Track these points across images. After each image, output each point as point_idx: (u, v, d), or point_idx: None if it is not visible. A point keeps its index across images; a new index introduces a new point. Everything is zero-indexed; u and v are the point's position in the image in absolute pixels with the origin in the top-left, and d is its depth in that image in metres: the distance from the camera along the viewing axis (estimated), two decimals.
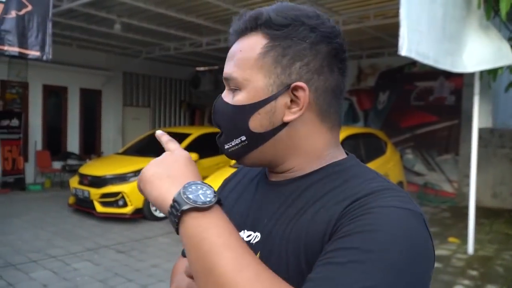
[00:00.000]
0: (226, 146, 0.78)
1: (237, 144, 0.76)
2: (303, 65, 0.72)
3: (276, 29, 0.73)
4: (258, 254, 0.72)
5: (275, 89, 0.73)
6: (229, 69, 0.76)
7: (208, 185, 0.65)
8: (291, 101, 0.73)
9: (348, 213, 0.63)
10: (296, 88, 0.72)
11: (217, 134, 0.81)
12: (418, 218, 0.63)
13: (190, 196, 0.61)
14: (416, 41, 3.64)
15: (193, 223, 0.61)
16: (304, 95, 0.72)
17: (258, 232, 0.76)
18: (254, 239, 0.76)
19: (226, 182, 0.99)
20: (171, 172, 0.68)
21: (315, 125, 0.75)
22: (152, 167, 0.72)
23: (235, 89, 0.75)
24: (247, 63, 0.74)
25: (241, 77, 0.74)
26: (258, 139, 0.75)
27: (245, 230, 0.79)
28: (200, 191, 0.63)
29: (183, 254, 1.04)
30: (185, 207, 0.61)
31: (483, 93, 5.58)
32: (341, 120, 0.80)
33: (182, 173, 0.68)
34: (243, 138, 0.75)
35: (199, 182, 0.65)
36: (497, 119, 6.09)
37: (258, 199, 0.81)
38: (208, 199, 0.62)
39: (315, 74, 0.73)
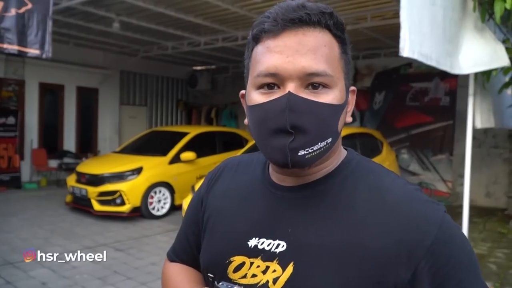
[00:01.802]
0: (303, 152, 0.69)
1: (320, 148, 0.70)
2: (351, 72, 0.77)
3: (341, 32, 0.73)
4: (292, 264, 0.71)
5: (346, 93, 0.75)
6: (320, 64, 0.69)
7: None
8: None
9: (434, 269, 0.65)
10: (354, 93, 0.78)
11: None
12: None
13: None
14: (418, 43, 3.68)
15: None
16: (353, 98, 0.78)
17: (281, 240, 0.73)
18: (277, 248, 0.73)
19: (212, 180, 0.93)
20: None
21: None
22: None
23: (321, 86, 0.70)
24: (334, 62, 0.71)
25: (334, 75, 0.70)
26: (336, 139, 0.73)
27: (259, 238, 0.76)
28: None
29: (170, 258, 1.00)
30: None
31: (484, 93, 5.67)
32: None
33: None
34: (329, 140, 0.71)
35: None
36: (503, 119, 6.17)
37: (273, 205, 0.78)
38: None
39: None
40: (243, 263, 0.76)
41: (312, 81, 0.69)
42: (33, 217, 6.85)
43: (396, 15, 7.08)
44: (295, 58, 0.68)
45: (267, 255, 0.73)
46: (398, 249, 0.66)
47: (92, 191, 6.88)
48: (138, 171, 7.03)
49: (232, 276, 0.76)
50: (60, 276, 4.42)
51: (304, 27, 0.69)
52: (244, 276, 0.75)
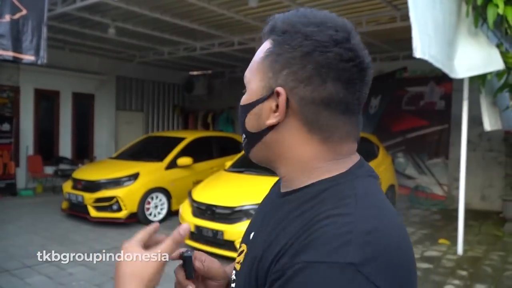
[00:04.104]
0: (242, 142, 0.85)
1: (243, 141, 0.84)
2: (290, 73, 0.71)
3: (278, 35, 0.73)
4: (245, 247, 0.84)
5: (265, 93, 0.74)
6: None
7: None
8: (277, 106, 0.72)
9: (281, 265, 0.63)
10: (278, 94, 0.72)
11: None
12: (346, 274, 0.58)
13: None
14: (427, 44, 3.72)
15: None
16: (282, 101, 0.71)
17: (252, 232, 0.84)
18: (243, 252, 0.84)
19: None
20: None
21: (300, 135, 0.73)
22: None
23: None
24: (253, 66, 0.79)
25: (247, 77, 0.80)
26: (252, 139, 0.79)
27: (254, 232, 0.84)
28: None
29: None
30: None
31: (489, 96, 5.72)
32: (354, 133, 0.79)
33: None
34: (244, 136, 0.82)
35: None
36: (510, 121, 6.21)
37: (267, 207, 0.86)
38: None
39: (302, 83, 0.70)
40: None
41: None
42: (29, 224, 6.81)
43: (391, 20, 7.15)
44: None
45: (246, 241, 0.85)
46: (268, 262, 0.68)
47: (89, 197, 6.86)
48: (134, 177, 7.01)
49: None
50: (57, 283, 4.40)
51: (263, 40, 0.80)
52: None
